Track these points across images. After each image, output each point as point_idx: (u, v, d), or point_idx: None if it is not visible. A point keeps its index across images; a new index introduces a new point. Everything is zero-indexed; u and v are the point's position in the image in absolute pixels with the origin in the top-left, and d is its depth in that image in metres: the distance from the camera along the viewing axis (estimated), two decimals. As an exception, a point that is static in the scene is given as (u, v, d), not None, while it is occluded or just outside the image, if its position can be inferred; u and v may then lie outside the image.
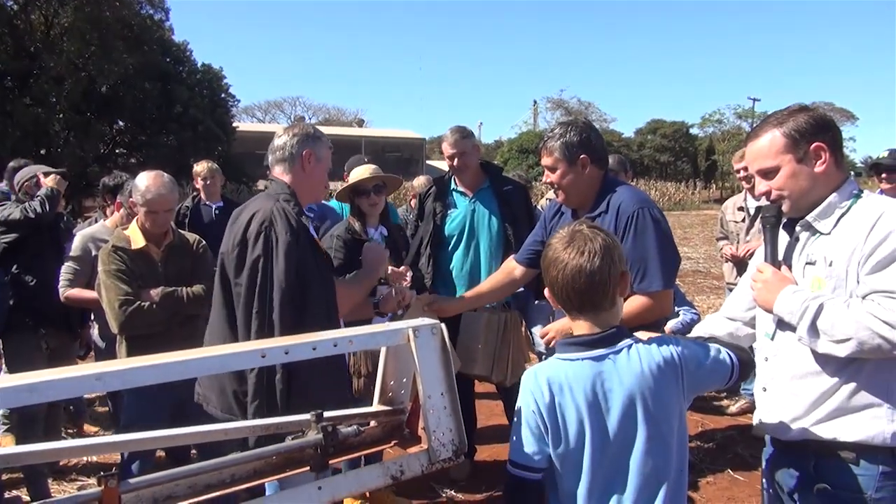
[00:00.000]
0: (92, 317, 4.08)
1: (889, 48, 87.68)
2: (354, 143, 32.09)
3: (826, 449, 1.71)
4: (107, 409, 4.97)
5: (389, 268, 2.98)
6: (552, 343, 2.50)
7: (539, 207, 5.42)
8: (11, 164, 4.61)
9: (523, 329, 3.78)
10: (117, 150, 23.84)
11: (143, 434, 1.34)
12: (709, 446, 4.32)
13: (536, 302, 4.63)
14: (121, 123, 23.15)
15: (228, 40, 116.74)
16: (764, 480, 1.97)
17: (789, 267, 1.81)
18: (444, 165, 4.41)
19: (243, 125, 36.05)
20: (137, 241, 3.03)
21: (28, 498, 3.49)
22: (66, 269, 3.69)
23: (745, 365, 1.68)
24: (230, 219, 2.41)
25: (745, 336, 2.04)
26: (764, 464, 1.96)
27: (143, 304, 2.92)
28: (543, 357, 3.62)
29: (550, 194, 6.70)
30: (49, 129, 18.52)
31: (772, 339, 1.83)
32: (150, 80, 21.37)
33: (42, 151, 18.78)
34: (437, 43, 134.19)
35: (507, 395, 3.83)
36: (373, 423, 1.61)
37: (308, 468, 1.40)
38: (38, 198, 3.69)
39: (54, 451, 1.43)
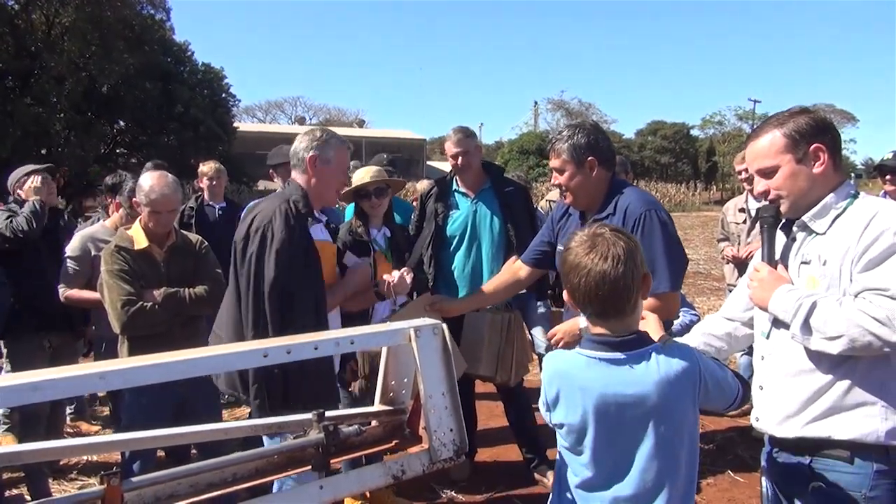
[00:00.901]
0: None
1: (890, 50, 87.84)
2: (355, 144, 31.94)
3: (820, 447, 1.72)
4: (107, 409, 4.98)
5: (385, 278, 3.02)
6: (560, 343, 2.51)
7: (539, 209, 5.42)
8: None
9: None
10: (118, 150, 23.82)
11: (144, 433, 1.34)
12: (709, 447, 4.31)
13: (538, 303, 4.64)
14: (121, 123, 23.12)
15: (229, 40, 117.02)
16: (762, 479, 1.97)
17: (786, 266, 1.82)
18: (444, 166, 4.42)
19: (244, 125, 36.09)
20: (140, 241, 3.03)
21: (29, 497, 3.50)
22: (66, 269, 3.69)
23: (746, 391, 1.69)
24: (244, 213, 2.65)
25: (743, 336, 2.05)
26: (762, 462, 1.97)
27: (145, 304, 2.93)
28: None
29: (550, 195, 6.73)
30: (50, 129, 18.45)
31: (767, 337, 1.85)
32: (151, 80, 21.35)
33: (43, 151, 18.77)
34: (437, 43, 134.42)
35: (508, 395, 3.84)
36: (374, 423, 1.61)
37: (310, 467, 1.40)
38: (24, 215, 3.55)
39: (55, 449, 1.44)
